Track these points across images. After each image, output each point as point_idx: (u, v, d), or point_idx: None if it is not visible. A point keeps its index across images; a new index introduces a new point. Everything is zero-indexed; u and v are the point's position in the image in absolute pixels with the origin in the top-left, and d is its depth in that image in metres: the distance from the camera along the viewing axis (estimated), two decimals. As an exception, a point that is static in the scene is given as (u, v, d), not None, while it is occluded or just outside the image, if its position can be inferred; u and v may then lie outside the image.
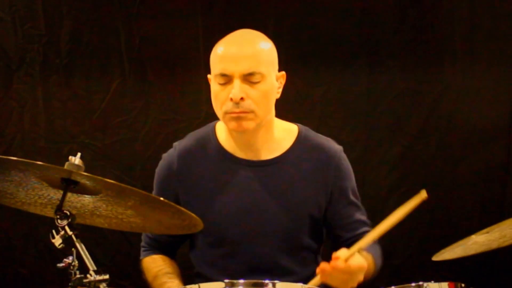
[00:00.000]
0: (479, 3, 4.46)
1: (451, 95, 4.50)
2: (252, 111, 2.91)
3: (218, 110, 2.96)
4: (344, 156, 3.12)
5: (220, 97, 2.93)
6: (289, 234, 3.02)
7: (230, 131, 3.03)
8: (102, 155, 4.51)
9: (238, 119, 2.91)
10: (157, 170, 3.15)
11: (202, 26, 4.46)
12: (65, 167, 2.50)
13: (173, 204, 2.58)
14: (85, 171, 2.49)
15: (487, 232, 2.69)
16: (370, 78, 4.48)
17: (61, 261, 2.46)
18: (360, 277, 2.77)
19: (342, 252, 2.74)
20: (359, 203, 3.16)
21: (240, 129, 2.93)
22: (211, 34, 4.35)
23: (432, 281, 2.65)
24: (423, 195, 2.67)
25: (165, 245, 3.18)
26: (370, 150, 4.49)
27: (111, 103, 4.51)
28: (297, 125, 3.14)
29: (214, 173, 3.04)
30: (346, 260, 2.72)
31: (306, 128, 3.15)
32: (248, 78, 2.91)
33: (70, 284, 2.45)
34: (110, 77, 4.50)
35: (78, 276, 2.44)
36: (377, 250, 3.06)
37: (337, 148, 3.12)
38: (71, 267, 2.45)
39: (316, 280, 2.77)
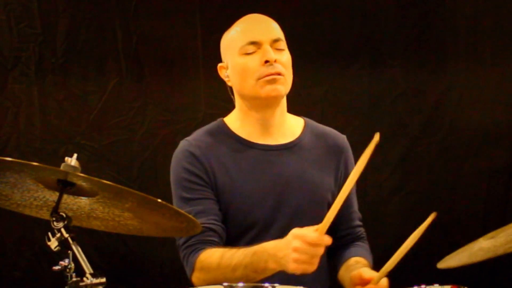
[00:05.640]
0: (482, 2, 4.46)
1: (454, 95, 4.50)
2: (283, 75, 3.00)
3: (249, 80, 3.00)
4: (349, 144, 3.20)
5: (251, 65, 2.99)
6: (308, 216, 3.02)
7: (252, 113, 3.05)
8: (99, 156, 4.50)
9: (273, 82, 2.98)
10: (174, 163, 3.08)
11: (200, 25, 4.45)
12: (61, 168, 2.48)
13: (170, 205, 2.57)
14: (81, 172, 2.46)
15: (492, 237, 2.67)
16: (371, 77, 4.49)
17: (57, 264, 2.44)
18: None
19: (370, 274, 2.80)
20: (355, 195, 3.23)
21: (275, 93, 2.98)
22: (210, 33, 4.34)
23: (435, 284, 2.65)
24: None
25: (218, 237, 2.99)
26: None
27: (108, 103, 4.50)
28: (301, 117, 3.21)
29: (233, 160, 3.04)
30: (377, 282, 2.78)
31: (310, 119, 3.22)
32: (276, 44, 3.01)
33: (66, 287, 2.42)
34: (106, 77, 4.49)
35: (74, 279, 2.43)
36: (370, 257, 3.13)
37: (343, 136, 3.21)
38: (67, 270, 2.44)
39: None
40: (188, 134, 3.16)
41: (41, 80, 4.48)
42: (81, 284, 2.40)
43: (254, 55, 3.00)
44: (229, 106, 3.13)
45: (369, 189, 4.43)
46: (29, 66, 4.47)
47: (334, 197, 3.06)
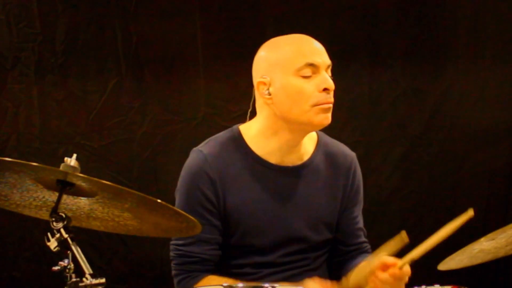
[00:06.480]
0: (482, 2, 4.45)
1: (454, 95, 4.50)
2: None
3: (303, 105, 2.88)
4: (358, 162, 3.14)
5: (308, 89, 2.87)
6: (314, 241, 3.03)
7: (283, 135, 2.95)
8: (98, 156, 4.49)
9: (328, 110, 2.88)
10: (188, 178, 3.00)
11: (200, 25, 4.44)
12: (61, 168, 2.47)
13: (170, 206, 2.55)
14: (81, 173, 2.45)
15: (493, 239, 2.66)
16: (371, 77, 4.49)
17: (56, 265, 2.43)
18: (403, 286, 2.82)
19: (396, 260, 2.76)
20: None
21: (327, 122, 2.89)
22: (209, 33, 4.33)
23: (435, 285, 2.64)
24: (470, 213, 2.70)
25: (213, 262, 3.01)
26: (372, 151, 4.49)
27: (108, 103, 4.49)
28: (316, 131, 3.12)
29: (247, 180, 2.97)
30: (401, 268, 2.75)
31: (323, 133, 3.11)
32: (328, 70, 2.91)
33: (65, 287, 2.41)
34: (106, 77, 4.49)
35: (73, 279, 2.41)
36: None
37: (353, 154, 3.14)
38: (67, 270, 2.42)
39: None
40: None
41: (40, 80, 4.48)
42: (80, 284, 2.39)
43: (311, 79, 2.87)
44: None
45: (369, 189, 4.42)
46: (28, 66, 4.47)
47: (340, 217, 3.08)
